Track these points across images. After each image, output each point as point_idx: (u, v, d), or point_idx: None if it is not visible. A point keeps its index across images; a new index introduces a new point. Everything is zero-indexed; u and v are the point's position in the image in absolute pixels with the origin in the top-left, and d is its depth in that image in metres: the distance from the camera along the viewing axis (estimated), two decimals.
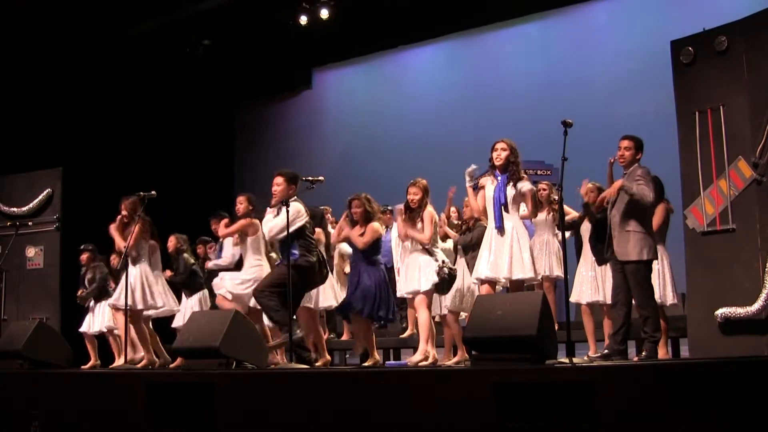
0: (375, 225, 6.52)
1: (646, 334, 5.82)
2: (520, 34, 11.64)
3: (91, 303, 8.85)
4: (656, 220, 6.50)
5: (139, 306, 7.40)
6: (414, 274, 6.44)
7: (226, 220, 7.45)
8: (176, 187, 10.53)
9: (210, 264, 7.90)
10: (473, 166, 6.04)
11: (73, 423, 5.89)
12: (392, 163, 11.62)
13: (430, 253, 6.41)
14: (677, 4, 10.22)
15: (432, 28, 11.94)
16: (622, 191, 5.86)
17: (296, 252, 6.24)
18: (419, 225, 6.44)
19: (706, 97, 6.63)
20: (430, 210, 6.46)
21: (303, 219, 6.35)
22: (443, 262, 6.37)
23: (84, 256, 8.91)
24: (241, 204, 7.04)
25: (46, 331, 7.54)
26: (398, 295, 6.77)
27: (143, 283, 7.42)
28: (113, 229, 7.43)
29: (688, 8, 9.87)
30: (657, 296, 6.40)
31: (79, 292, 8.89)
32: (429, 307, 6.51)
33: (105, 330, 8.71)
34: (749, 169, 6.32)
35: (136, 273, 7.40)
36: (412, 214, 6.49)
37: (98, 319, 8.74)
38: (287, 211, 6.12)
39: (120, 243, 7.40)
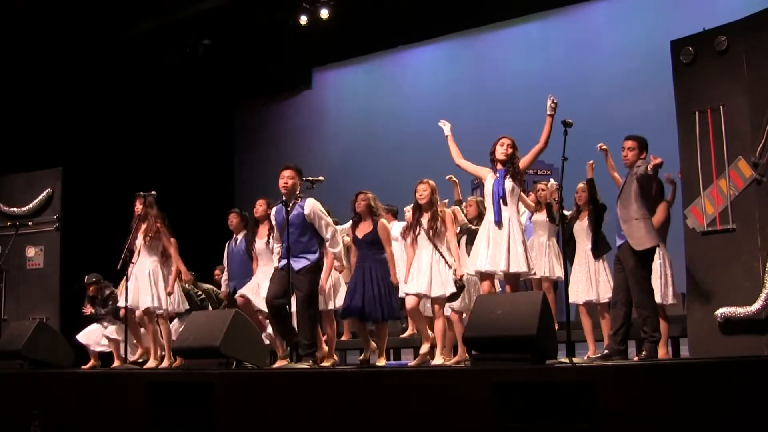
0: (384, 221, 6.53)
1: (645, 334, 5.82)
2: (520, 34, 11.62)
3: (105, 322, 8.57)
4: (659, 216, 6.50)
5: (157, 304, 7.32)
6: (426, 276, 6.28)
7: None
8: (176, 187, 10.50)
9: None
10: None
11: (73, 423, 5.89)
12: (392, 163, 11.63)
13: (446, 260, 6.27)
14: (677, 4, 10.22)
15: (432, 28, 11.93)
16: (632, 175, 5.87)
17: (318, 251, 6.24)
18: (438, 224, 6.31)
19: (706, 97, 6.64)
20: (447, 211, 6.41)
21: None
22: (455, 272, 6.21)
23: (91, 289, 8.49)
24: (261, 206, 7.15)
25: (46, 331, 7.55)
26: (401, 294, 6.62)
27: (157, 281, 7.36)
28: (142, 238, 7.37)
29: (688, 8, 9.86)
30: (657, 296, 6.41)
31: (89, 311, 8.54)
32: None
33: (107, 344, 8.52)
34: (749, 169, 6.33)
35: (152, 270, 7.36)
36: (425, 211, 6.40)
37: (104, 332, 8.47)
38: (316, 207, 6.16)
39: (137, 243, 7.36)
